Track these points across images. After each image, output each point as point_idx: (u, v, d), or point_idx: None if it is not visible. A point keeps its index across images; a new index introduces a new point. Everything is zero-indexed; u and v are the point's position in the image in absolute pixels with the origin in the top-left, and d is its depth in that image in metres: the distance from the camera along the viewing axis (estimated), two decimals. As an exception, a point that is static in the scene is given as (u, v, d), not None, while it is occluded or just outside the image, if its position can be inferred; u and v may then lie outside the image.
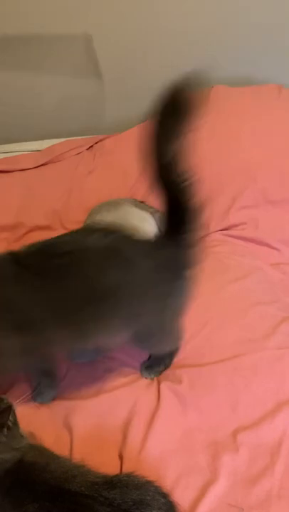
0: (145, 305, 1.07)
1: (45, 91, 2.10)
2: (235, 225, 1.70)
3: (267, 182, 1.71)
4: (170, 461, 1.10)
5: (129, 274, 1.02)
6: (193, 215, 1.02)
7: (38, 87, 2.08)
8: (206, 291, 1.43)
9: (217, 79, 1.99)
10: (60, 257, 1.00)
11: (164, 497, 0.94)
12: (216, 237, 1.69)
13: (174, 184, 0.98)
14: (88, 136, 2.09)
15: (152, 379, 1.29)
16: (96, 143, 2.03)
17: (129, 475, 0.97)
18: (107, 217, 1.66)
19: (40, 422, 1.17)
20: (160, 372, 1.29)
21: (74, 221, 1.84)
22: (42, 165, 1.97)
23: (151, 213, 1.76)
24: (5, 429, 0.97)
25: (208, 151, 1.77)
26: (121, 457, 1.11)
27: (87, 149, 2.02)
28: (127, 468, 1.07)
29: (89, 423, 1.17)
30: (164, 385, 1.24)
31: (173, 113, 0.92)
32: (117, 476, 0.97)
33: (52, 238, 1.09)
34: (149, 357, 1.31)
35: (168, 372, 1.29)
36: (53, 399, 1.23)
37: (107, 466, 1.04)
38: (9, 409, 0.98)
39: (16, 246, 1.76)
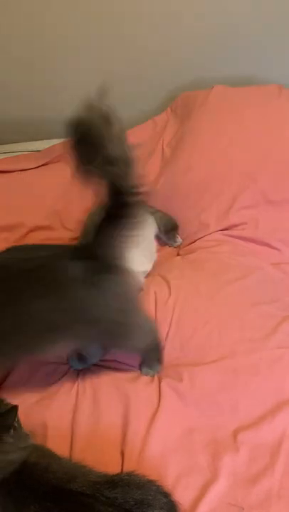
0: (82, 315, 1.06)
1: (45, 91, 2.10)
2: (236, 225, 1.70)
3: (267, 182, 1.71)
4: (170, 461, 1.11)
5: (58, 292, 1.03)
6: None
7: (38, 86, 2.08)
8: (206, 291, 1.44)
9: (217, 79, 2.00)
10: None
11: (166, 496, 0.95)
12: (216, 237, 1.69)
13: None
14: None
15: (153, 376, 1.29)
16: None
17: (130, 474, 0.97)
18: None
19: (40, 422, 1.18)
20: (157, 369, 1.30)
21: (74, 221, 1.85)
22: (42, 165, 1.97)
23: (151, 213, 1.76)
24: (11, 430, 0.98)
25: (209, 151, 1.78)
26: (122, 456, 1.11)
27: (87, 149, 2.02)
28: (128, 467, 1.07)
29: (89, 422, 1.18)
30: (164, 383, 1.25)
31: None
32: (118, 475, 0.97)
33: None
34: None
35: (169, 369, 1.30)
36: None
37: (107, 465, 1.04)
38: (14, 409, 0.98)
39: (17, 246, 1.79)
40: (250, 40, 1.99)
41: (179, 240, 1.76)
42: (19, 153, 2.06)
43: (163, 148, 1.94)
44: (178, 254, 1.72)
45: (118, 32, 1.96)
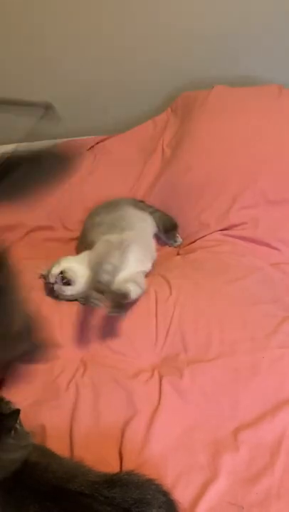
0: None
1: (45, 91, 2.10)
2: (236, 225, 1.71)
3: (267, 182, 1.72)
4: (170, 460, 1.11)
5: None
6: None
7: (38, 86, 2.08)
8: (207, 290, 1.44)
9: (217, 79, 2.00)
10: None
11: (165, 495, 0.94)
12: (216, 237, 1.70)
13: None
14: (89, 137, 2.09)
15: None
16: (97, 143, 2.04)
17: (129, 473, 0.97)
18: (106, 219, 1.67)
19: (39, 421, 1.17)
20: None
21: (75, 221, 1.85)
22: (43, 165, 1.98)
23: (150, 213, 1.76)
24: (12, 432, 0.98)
25: (209, 151, 1.78)
26: (121, 455, 1.11)
27: (88, 150, 2.03)
28: (128, 466, 1.07)
29: (89, 421, 1.18)
30: (165, 381, 1.25)
31: None
32: (117, 474, 0.97)
33: None
34: None
35: (170, 366, 1.30)
36: None
37: (107, 464, 1.04)
38: (16, 413, 0.99)
39: (18, 246, 1.79)
40: (250, 40, 2.00)
41: (179, 239, 1.76)
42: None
43: (163, 149, 1.94)
44: (178, 254, 1.73)
45: (118, 32, 1.97)
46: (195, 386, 1.24)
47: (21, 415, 1.03)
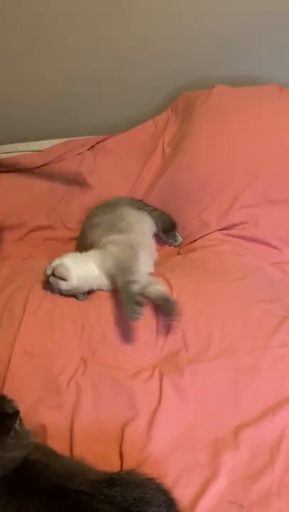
0: None
1: (45, 91, 2.10)
2: (236, 225, 1.70)
3: (267, 182, 1.71)
4: (171, 459, 1.11)
5: None
6: None
7: (38, 86, 2.09)
8: (207, 290, 1.44)
9: (218, 79, 2.00)
10: None
11: (165, 494, 0.95)
12: (216, 237, 1.70)
13: None
14: (89, 137, 2.09)
15: None
16: (97, 143, 2.04)
17: (129, 472, 0.98)
18: (104, 219, 1.68)
19: (40, 420, 1.18)
20: None
21: (75, 221, 1.86)
22: (43, 165, 1.98)
23: (148, 212, 1.77)
24: (12, 432, 0.99)
25: (209, 150, 1.78)
26: (122, 454, 1.12)
27: (88, 149, 2.03)
28: (129, 465, 1.08)
29: (90, 420, 1.18)
30: (166, 380, 1.25)
31: None
32: (117, 473, 0.98)
33: None
34: None
35: (170, 363, 1.30)
36: None
37: (108, 463, 1.05)
38: (17, 414, 1.00)
39: (18, 246, 1.80)
40: (250, 40, 1.99)
41: (180, 238, 1.76)
42: (19, 154, 2.06)
43: (164, 148, 1.94)
44: (178, 253, 1.73)
45: (118, 32, 1.97)
46: (195, 385, 1.24)
47: (22, 415, 1.04)
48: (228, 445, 1.14)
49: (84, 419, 1.18)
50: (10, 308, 1.42)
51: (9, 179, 1.95)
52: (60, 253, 1.52)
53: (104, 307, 1.42)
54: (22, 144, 2.13)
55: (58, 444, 1.09)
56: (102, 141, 2.03)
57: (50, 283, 1.45)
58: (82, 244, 1.67)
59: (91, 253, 1.54)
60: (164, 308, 1.37)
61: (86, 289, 1.48)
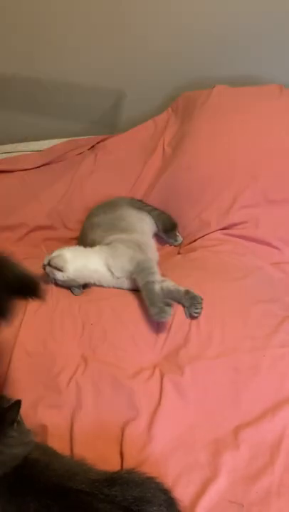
0: None
1: (45, 91, 2.10)
2: (236, 224, 1.71)
3: (268, 181, 1.72)
4: (171, 458, 1.11)
5: None
6: None
7: (38, 86, 2.09)
8: (208, 289, 1.44)
9: (218, 79, 2.00)
10: None
11: (165, 493, 0.94)
12: (216, 236, 1.70)
13: None
14: (90, 136, 2.10)
15: None
16: (97, 143, 2.04)
17: (130, 472, 0.97)
18: (105, 219, 1.68)
19: (40, 420, 1.18)
20: None
21: (75, 221, 1.86)
22: (44, 165, 1.98)
23: (148, 212, 1.77)
24: (15, 424, 0.98)
25: (209, 150, 1.79)
26: (122, 454, 1.12)
27: (89, 149, 2.03)
28: (129, 464, 1.08)
29: (90, 419, 1.18)
30: (166, 379, 1.25)
31: None
32: (118, 473, 0.98)
33: None
34: None
35: (171, 362, 1.30)
36: None
37: (108, 462, 1.05)
38: (17, 404, 0.98)
39: (18, 246, 1.80)
40: (250, 40, 1.99)
41: (180, 238, 1.76)
42: (19, 154, 2.06)
43: (164, 148, 1.95)
44: (179, 253, 1.73)
45: (119, 32, 1.97)
46: (196, 385, 1.24)
47: (22, 414, 1.03)
48: (228, 445, 1.14)
49: (84, 419, 1.18)
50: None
51: (9, 179, 1.95)
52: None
53: (105, 305, 1.42)
54: (22, 144, 2.13)
55: (58, 443, 1.09)
56: (102, 141, 2.04)
57: (46, 273, 1.46)
58: (82, 244, 1.67)
59: (96, 248, 1.55)
60: (188, 301, 1.38)
61: (82, 281, 1.49)
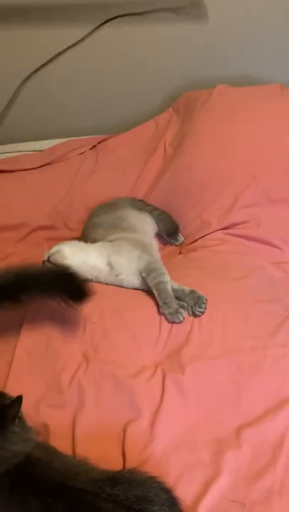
0: None
1: (46, 91, 2.11)
2: (237, 224, 1.71)
3: (269, 181, 1.72)
4: (173, 458, 1.11)
5: None
6: None
7: (40, 86, 2.09)
8: (209, 289, 1.44)
9: (219, 79, 2.00)
10: None
11: (167, 493, 0.94)
12: (217, 236, 1.70)
13: None
14: (91, 136, 2.10)
15: None
16: (99, 143, 2.04)
17: (132, 471, 0.97)
18: (106, 219, 1.68)
19: (42, 419, 1.18)
20: None
21: (77, 221, 1.86)
22: (45, 165, 1.98)
23: (149, 212, 1.77)
24: (17, 420, 0.98)
25: (210, 150, 1.79)
26: (124, 453, 1.11)
27: (90, 149, 2.03)
28: (130, 464, 1.08)
29: (92, 419, 1.18)
30: (168, 379, 1.25)
31: None
32: (120, 472, 0.98)
33: None
34: None
35: (172, 360, 1.30)
36: None
37: (110, 462, 1.05)
38: (19, 400, 0.99)
39: (20, 245, 1.80)
40: (251, 40, 2.00)
41: (181, 238, 1.77)
42: (20, 153, 2.07)
43: (165, 148, 1.95)
44: (180, 253, 1.73)
45: (119, 33, 1.97)
46: (197, 384, 1.24)
47: (24, 414, 1.03)
48: (230, 444, 1.13)
49: (86, 418, 1.18)
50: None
51: (11, 179, 1.95)
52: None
53: (106, 304, 1.42)
54: (22, 144, 2.13)
55: (60, 442, 1.09)
56: (103, 140, 2.04)
57: None
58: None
59: (97, 244, 1.55)
60: (192, 300, 1.39)
61: None
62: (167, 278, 1.44)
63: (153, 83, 2.10)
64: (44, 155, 2.02)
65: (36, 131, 2.16)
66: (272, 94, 1.90)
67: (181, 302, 1.40)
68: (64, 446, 1.09)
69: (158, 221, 1.77)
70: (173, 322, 1.36)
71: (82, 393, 1.22)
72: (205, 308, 1.38)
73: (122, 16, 1.92)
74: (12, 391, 1.15)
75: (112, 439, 1.14)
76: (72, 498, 0.89)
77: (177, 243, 1.77)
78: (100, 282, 1.51)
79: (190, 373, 1.26)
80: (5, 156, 2.09)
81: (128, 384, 1.23)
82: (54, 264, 1.45)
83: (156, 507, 0.90)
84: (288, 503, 1.04)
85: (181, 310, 1.37)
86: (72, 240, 1.78)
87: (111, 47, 2.00)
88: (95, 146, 2.04)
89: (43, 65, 2.02)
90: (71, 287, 1.29)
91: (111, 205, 1.77)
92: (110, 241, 1.57)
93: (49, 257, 1.46)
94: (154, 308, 1.40)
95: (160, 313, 1.39)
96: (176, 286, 1.43)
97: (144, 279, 1.46)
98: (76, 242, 1.57)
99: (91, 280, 1.52)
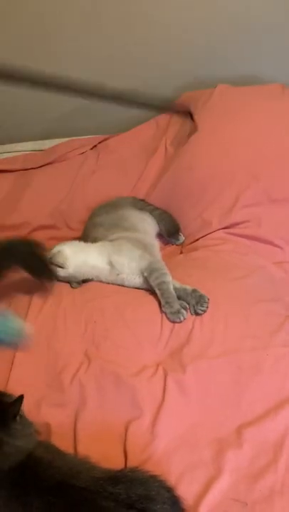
0: None
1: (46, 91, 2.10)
2: (238, 224, 1.71)
3: (270, 180, 1.72)
4: (174, 457, 1.11)
5: None
6: None
7: (40, 85, 2.08)
8: (210, 288, 1.44)
9: (219, 78, 2.00)
10: None
11: (169, 491, 0.95)
12: (218, 236, 1.70)
13: None
14: (92, 136, 2.10)
15: None
16: (99, 142, 2.05)
17: (133, 470, 0.98)
18: (107, 219, 1.68)
19: (44, 419, 1.18)
20: None
21: (78, 220, 1.86)
22: (46, 164, 1.98)
23: (150, 211, 1.77)
24: (18, 417, 1.00)
25: (211, 149, 1.79)
26: (125, 452, 1.12)
27: (91, 149, 2.03)
28: (132, 463, 1.08)
29: (93, 418, 1.18)
30: (169, 378, 1.25)
31: None
32: (121, 471, 0.98)
33: None
34: None
35: (174, 359, 1.30)
36: None
37: (111, 461, 1.05)
38: (21, 399, 1.00)
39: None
40: (252, 40, 2.00)
41: (182, 238, 1.77)
42: (20, 153, 2.07)
43: (166, 147, 1.95)
44: (181, 252, 1.73)
45: (120, 33, 1.97)
46: (198, 383, 1.24)
47: (26, 413, 1.04)
48: (231, 444, 1.14)
49: (87, 417, 1.18)
50: (14, 307, 1.43)
51: (12, 178, 1.95)
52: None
53: (108, 303, 1.42)
54: (22, 144, 2.13)
55: (61, 441, 1.09)
56: (104, 140, 2.04)
57: None
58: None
59: (98, 244, 1.55)
60: (194, 299, 1.40)
61: (81, 277, 1.50)
62: (169, 278, 1.44)
63: (153, 83, 2.10)
64: (45, 155, 2.02)
65: (36, 131, 2.16)
66: (273, 93, 1.90)
67: (183, 303, 1.40)
68: (65, 445, 1.09)
69: (159, 221, 1.76)
70: (174, 322, 1.37)
71: (83, 392, 1.22)
72: (207, 307, 1.39)
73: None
74: (13, 390, 1.16)
75: (114, 437, 1.14)
76: (74, 497, 0.90)
77: (178, 243, 1.77)
78: (100, 281, 1.51)
79: (191, 372, 1.26)
80: (5, 155, 2.09)
81: (129, 383, 1.23)
82: (56, 265, 1.45)
83: (157, 506, 0.90)
84: (290, 502, 1.04)
85: (183, 310, 1.37)
86: (73, 239, 1.79)
87: (112, 46, 2.00)
88: (95, 145, 2.04)
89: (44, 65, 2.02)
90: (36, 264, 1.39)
91: (112, 205, 1.77)
92: (111, 240, 1.57)
93: (51, 258, 1.46)
94: (156, 307, 1.40)
95: (161, 312, 1.39)
96: (177, 285, 1.44)
97: (145, 279, 1.46)
98: (76, 243, 1.57)
99: (92, 280, 1.52)
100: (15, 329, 1.32)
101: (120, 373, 1.25)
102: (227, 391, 1.24)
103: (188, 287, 1.43)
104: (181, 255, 1.70)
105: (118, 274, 1.49)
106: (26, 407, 1.05)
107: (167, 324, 1.36)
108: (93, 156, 1.99)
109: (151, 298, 1.43)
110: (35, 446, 0.99)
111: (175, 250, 1.76)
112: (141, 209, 1.77)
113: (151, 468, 1.00)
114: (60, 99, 2.10)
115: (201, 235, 1.72)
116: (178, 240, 1.76)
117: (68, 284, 1.51)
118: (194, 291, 1.42)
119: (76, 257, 1.48)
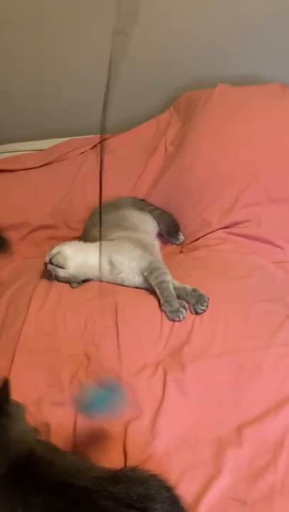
0: None
1: (49, 90, 2.11)
2: (238, 223, 1.71)
3: (270, 180, 1.72)
4: (174, 456, 1.11)
5: None
6: None
7: (42, 85, 2.09)
8: (210, 288, 1.44)
9: (219, 78, 2.00)
10: None
11: (168, 491, 0.95)
12: (218, 235, 1.70)
13: None
14: (92, 136, 2.10)
15: None
16: (99, 142, 2.04)
17: (133, 469, 0.98)
18: (107, 219, 1.68)
19: (43, 418, 1.18)
20: None
21: (78, 220, 1.86)
22: (46, 164, 1.99)
23: (150, 211, 1.77)
24: (10, 399, 1.01)
25: (211, 149, 1.79)
26: (125, 452, 1.12)
27: (91, 149, 2.03)
28: (132, 462, 1.08)
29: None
30: (169, 377, 1.25)
31: None
32: (121, 470, 0.98)
33: None
34: None
35: (174, 358, 1.30)
36: None
37: (111, 460, 1.05)
38: (7, 383, 1.01)
39: (21, 244, 1.80)
40: (252, 39, 2.00)
41: (182, 237, 1.77)
42: (23, 153, 2.07)
43: (166, 147, 1.95)
44: (181, 252, 1.73)
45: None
46: (198, 383, 1.25)
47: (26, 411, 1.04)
48: (231, 443, 1.14)
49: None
50: (14, 306, 1.43)
51: (12, 178, 1.95)
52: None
53: (108, 302, 1.42)
54: (22, 144, 2.13)
55: (61, 441, 1.10)
56: (104, 140, 2.04)
57: (47, 270, 1.48)
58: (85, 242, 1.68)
59: (98, 243, 1.55)
60: (194, 298, 1.40)
61: (82, 277, 1.51)
62: (169, 277, 1.44)
63: (154, 83, 2.10)
64: (45, 154, 2.02)
65: (36, 131, 2.16)
66: (273, 93, 1.90)
67: (183, 302, 1.40)
68: (65, 445, 1.09)
69: (159, 220, 1.77)
70: (173, 320, 1.37)
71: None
72: (207, 306, 1.39)
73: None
74: (13, 390, 1.16)
75: (114, 437, 1.14)
76: (74, 496, 0.90)
77: (178, 242, 1.77)
78: (100, 281, 1.51)
79: (191, 372, 1.26)
80: (5, 155, 2.09)
81: (129, 382, 1.23)
82: (56, 265, 1.45)
83: (157, 505, 0.90)
84: (290, 501, 1.04)
85: (182, 309, 1.38)
86: (73, 239, 1.79)
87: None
88: (95, 145, 2.04)
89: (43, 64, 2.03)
90: None
91: (113, 205, 1.77)
92: (111, 240, 1.57)
93: (51, 258, 1.46)
94: (155, 306, 1.40)
95: (161, 311, 1.39)
96: (177, 284, 1.44)
97: (145, 278, 1.46)
98: (76, 243, 1.57)
99: (92, 279, 1.52)
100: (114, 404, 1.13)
101: (120, 372, 1.25)
102: (227, 391, 1.23)
103: (188, 287, 1.43)
104: (181, 255, 1.71)
105: (118, 274, 1.49)
106: (26, 406, 1.05)
107: (167, 323, 1.36)
108: (93, 156, 1.99)
109: (151, 297, 1.43)
110: (34, 446, 0.99)
111: (175, 250, 1.76)
112: (141, 209, 1.77)
113: (151, 467, 1.00)
114: (60, 99, 2.11)
115: (201, 235, 1.72)
116: (178, 239, 1.77)
117: (68, 284, 1.51)
118: (194, 290, 1.42)
119: (76, 257, 1.48)
